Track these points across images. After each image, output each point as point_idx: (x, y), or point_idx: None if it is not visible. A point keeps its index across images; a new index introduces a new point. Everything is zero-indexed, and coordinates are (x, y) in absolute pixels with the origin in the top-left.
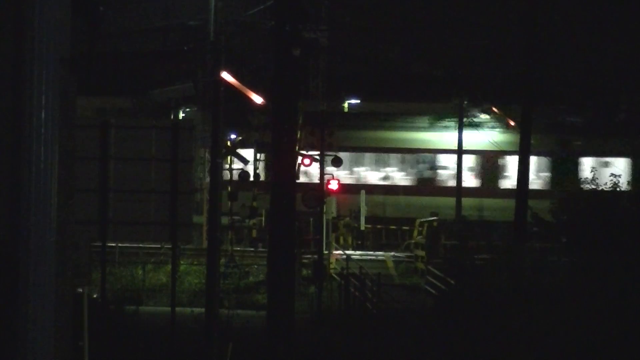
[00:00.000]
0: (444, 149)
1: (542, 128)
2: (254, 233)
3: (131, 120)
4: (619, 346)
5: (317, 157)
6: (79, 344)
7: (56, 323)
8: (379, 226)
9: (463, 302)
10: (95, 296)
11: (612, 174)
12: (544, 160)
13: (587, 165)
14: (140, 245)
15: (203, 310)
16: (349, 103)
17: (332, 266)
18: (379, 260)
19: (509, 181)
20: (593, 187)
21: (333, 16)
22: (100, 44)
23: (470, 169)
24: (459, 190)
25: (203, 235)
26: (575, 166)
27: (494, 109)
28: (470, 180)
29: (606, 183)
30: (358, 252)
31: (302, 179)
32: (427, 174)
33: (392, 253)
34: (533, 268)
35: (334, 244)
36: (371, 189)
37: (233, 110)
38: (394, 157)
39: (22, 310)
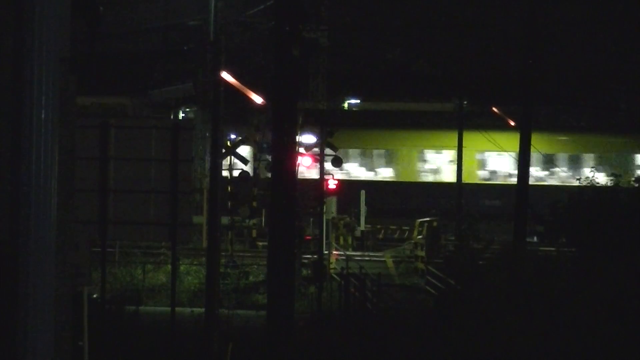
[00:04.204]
0: None
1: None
2: (254, 233)
3: (131, 120)
4: (619, 346)
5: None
6: (79, 344)
7: (56, 323)
8: (378, 226)
9: (463, 302)
10: (95, 296)
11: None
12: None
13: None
14: (139, 244)
15: (203, 310)
16: (349, 103)
17: (332, 266)
18: (379, 260)
19: None
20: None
21: (333, 16)
22: (100, 44)
23: None
24: (460, 189)
25: (203, 235)
26: None
27: (494, 109)
28: None
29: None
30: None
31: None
32: None
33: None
34: (534, 268)
35: (333, 244)
36: None
37: (233, 110)
38: None
39: (22, 310)
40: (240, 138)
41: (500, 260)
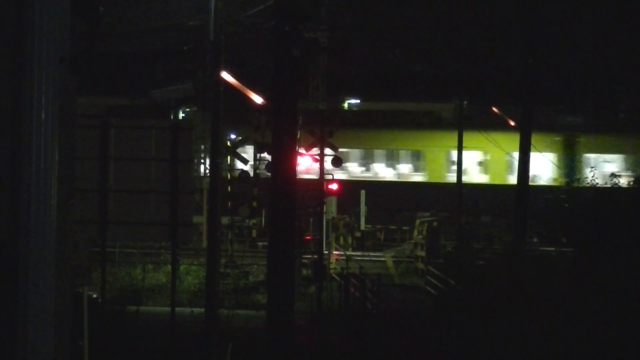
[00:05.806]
0: None
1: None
2: (254, 233)
3: (131, 120)
4: (619, 346)
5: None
6: (79, 344)
7: (56, 323)
8: (378, 226)
9: (463, 302)
10: (95, 296)
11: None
12: None
13: None
14: (137, 244)
15: (203, 310)
16: (349, 103)
17: (332, 266)
18: (379, 261)
19: None
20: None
21: (333, 16)
22: (100, 44)
23: None
24: (460, 189)
25: (203, 235)
26: None
27: (493, 109)
28: None
29: None
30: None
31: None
32: None
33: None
34: (534, 268)
35: (333, 244)
36: None
37: (233, 110)
38: None
39: (22, 310)
40: (240, 138)
41: (500, 260)
